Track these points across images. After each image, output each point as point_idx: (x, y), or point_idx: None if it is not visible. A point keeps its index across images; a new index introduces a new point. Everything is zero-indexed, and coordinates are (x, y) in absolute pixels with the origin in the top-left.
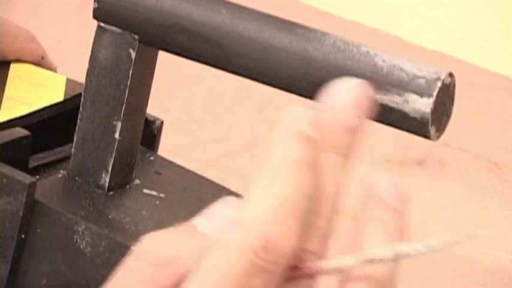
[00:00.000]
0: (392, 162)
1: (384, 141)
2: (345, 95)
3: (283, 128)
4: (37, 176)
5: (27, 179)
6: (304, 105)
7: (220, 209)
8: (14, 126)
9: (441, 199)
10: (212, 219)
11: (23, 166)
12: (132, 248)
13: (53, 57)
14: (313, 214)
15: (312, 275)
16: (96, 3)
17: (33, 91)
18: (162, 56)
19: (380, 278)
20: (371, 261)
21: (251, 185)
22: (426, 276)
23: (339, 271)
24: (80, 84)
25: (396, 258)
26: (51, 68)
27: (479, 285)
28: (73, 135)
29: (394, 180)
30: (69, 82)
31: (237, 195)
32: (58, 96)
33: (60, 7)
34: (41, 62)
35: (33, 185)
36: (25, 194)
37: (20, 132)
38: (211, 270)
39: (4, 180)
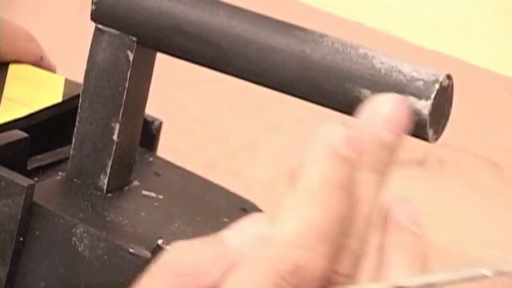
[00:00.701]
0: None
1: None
2: (382, 110)
3: (318, 146)
4: (35, 178)
5: (25, 181)
6: (340, 120)
7: (249, 224)
8: (12, 128)
9: (441, 199)
10: (240, 234)
11: (21, 168)
12: (131, 250)
13: (52, 58)
14: (345, 235)
15: None
16: (94, 5)
17: (32, 92)
18: (161, 56)
19: None
20: None
21: (282, 203)
22: None
23: None
24: (79, 84)
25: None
26: (50, 69)
27: (480, 285)
28: (71, 136)
29: (408, 204)
30: (68, 83)
31: (236, 195)
32: (57, 97)
33: (59, 7)
34: (39, 63)
35: (31, 187)
36: (23, 196)
37: (19, 134)
38: None
39: (2, 183)
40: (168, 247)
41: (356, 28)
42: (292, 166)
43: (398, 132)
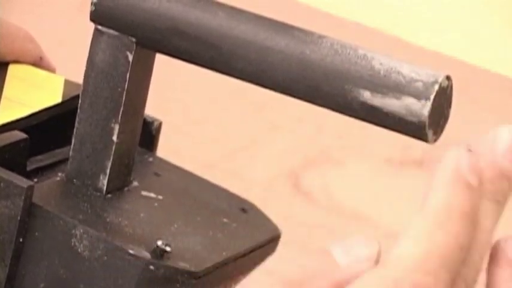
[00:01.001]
0: (392, 162)
1: (383, 141)
2: (504, 140)
3: (446, 171)
4: (35, 179)
5: (24, 182)
6: (466, 146)
7: (358, 244)
8: (11, 128)
9: None
10: (350, 253)
11: (20, 169)
12: (131, 251)
13: (52, 58)
14: (463, 264)
15: None
16: (93, 6)
17: (31, 92)
18: (161, 57)
19: None
20: None
21: (406, 225)
22: None
23: None
24: (78, 85)
25: None
26: (50, 69)
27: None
28: (71, 137)
29: None
30: (68, 83)
31: (236, 196)
32: (56, 98)
33: (59, 7)
34: (39, 63)
35: (31, 188)
36: (23, 197)
37: (18, 135)
38: None
39: (2, 184)
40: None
41: (356, 28)
42: (292, 166)
43: None
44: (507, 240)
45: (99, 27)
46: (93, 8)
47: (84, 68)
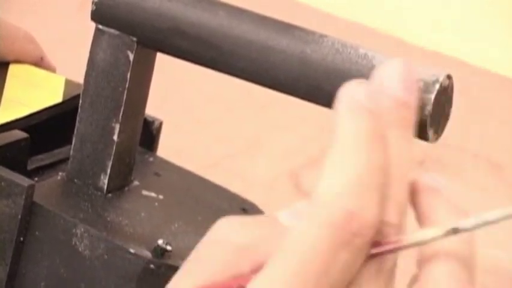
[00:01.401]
0: None
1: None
2: (394, 72)
3: (344, 103)
4: (35, 178)
5: (25, 181)
6: (358, 82)
7: (303, 206)
8: (12, 128)
9: None
10: (294, 214)
11: (21, 168)
12: (131, 250)
13: (52, 58)
14: (387, 185)
15: (395, 250)
16: (94, 6)
17: (32, 92)
18: (161, 56)
19: (461, 253)
20: (455, 230)
21: (323, 163)
22: None
23: (422, 244)
24: (79, 85)
25: (482, 226)
26: (50, 69)
27: (480, 285)
28: (72, 136)
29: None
30: (68, 83)
31: (237, 196)
32: (57, 98)
33: (60, 7)
34: (39, 63)
35: (31, 187)
36: (24, 196)
37: (19, 134)
38: (295, 249)
39: (2, 183)
40: (220, 220)
41: (356, 28)
42: (293, 166)
43: (412, 90)
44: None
45: (100, 26)
46: (94, 8)
47: (84, 68)
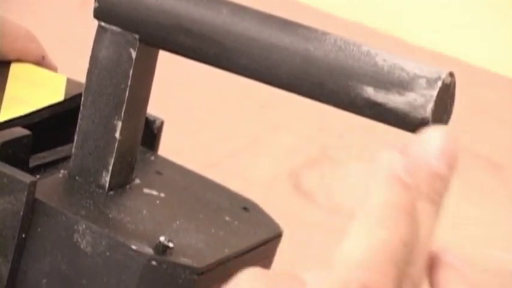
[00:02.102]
0: None
1: (384, 141)
2: (436, 141)
3: (381, 172)
4: (37, 176)
5: (27, 178)
6: (398, 148)
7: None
8: (14, 125)
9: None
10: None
11: (23, 165)
12: (133, 247)
13: (53, 56)
14: (407, 262)
15: None
16: (96, 3)
17: (34, 90)
18: (164, 55)
19: None
20: None
21: (349, 227)
22: None
23: None
24: (80, 84)
25: None
26: (52, 68)
27: (480, 285)
28: (73, 134)
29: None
30: (70, 82)
31: (238, 195)
32: (58, 96)
33: (61, 5)
34: (41, 62)
35: (33, 184)
36: (26, 193)
37: (21, 131)
38: None
39: (5, 180)
40: (243, 272)
41: (356, 28)
42: (293, 166)
43: (452, 164)
44: (443, 250)
45: (103, 23)
46: (97, 5)
47: (85, 67)
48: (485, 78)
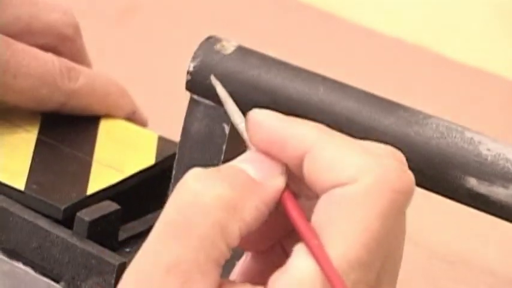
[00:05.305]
0: None
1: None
2: None
3: None
4: (127, 249)
5: (116, 259)
6: None
7: (264, 160)
8: (104, 196)
9: (441, 199)
10: (259, 168)
11: (112, 240)
12: None
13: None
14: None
15: None
16: (189, 76)
17: (123, 153)
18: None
19: None
20: None
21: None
22: (426, 277)
23: None
24: (172, 142)
25: None
26: (142, 123)
27: (480, 285)
28: (164, 200)
29: None
30: (161, 140)
31: None
32: (149, 158)
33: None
34: (131, 117)
35: (122, 265)
36: (114, 275)
37: (110, 206)
38: None
39: (93, 261)
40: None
41: (356, 28)
42: None
43: None
44: None
45: (195, 97)
46: (189, 78)
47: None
48: (485, 78)
